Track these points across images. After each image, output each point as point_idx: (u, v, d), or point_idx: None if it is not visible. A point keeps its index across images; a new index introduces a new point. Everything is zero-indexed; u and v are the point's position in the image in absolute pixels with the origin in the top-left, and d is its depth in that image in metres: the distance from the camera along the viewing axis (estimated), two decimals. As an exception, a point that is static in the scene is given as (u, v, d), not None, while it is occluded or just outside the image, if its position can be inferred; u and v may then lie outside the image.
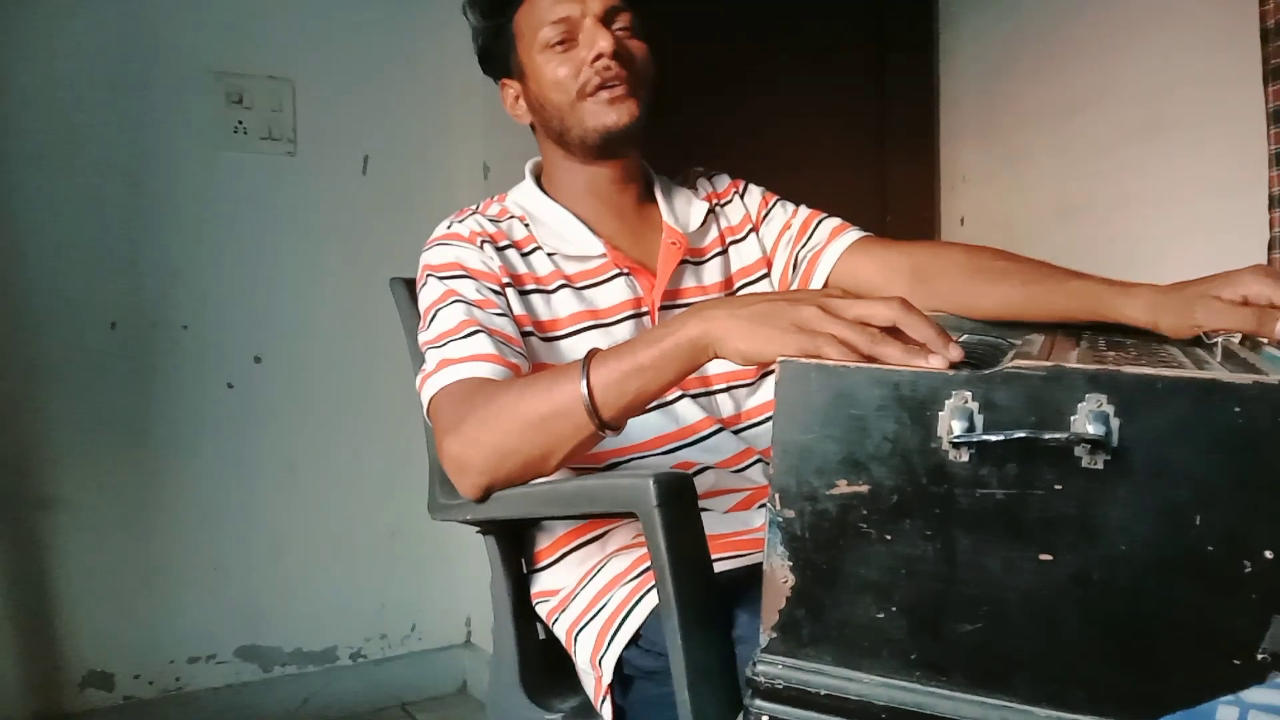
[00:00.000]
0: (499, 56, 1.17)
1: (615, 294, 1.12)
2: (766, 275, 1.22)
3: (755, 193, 1.27)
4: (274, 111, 1.97)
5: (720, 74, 2.14)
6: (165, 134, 1.89)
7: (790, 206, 1.26)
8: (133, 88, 1.86)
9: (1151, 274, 0.96)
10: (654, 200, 1.21)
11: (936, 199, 2.46)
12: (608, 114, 1.09)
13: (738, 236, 1.23)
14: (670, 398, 1.09)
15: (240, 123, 1.94)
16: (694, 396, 1.11)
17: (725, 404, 1.14)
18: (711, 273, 1.19)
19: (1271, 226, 1.69)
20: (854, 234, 1.21)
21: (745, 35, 2.22)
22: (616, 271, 1.13)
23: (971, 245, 1.16)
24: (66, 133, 1.81)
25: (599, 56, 1.07)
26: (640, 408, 0.88)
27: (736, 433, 1.13)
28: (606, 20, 1.09)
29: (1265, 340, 0.79)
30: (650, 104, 1.12)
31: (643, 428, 1.07)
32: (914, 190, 2.44)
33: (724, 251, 1.21)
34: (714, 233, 1.22)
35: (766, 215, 1.25)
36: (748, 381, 1.15)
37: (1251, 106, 1.73)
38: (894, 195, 2.43)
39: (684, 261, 1.16)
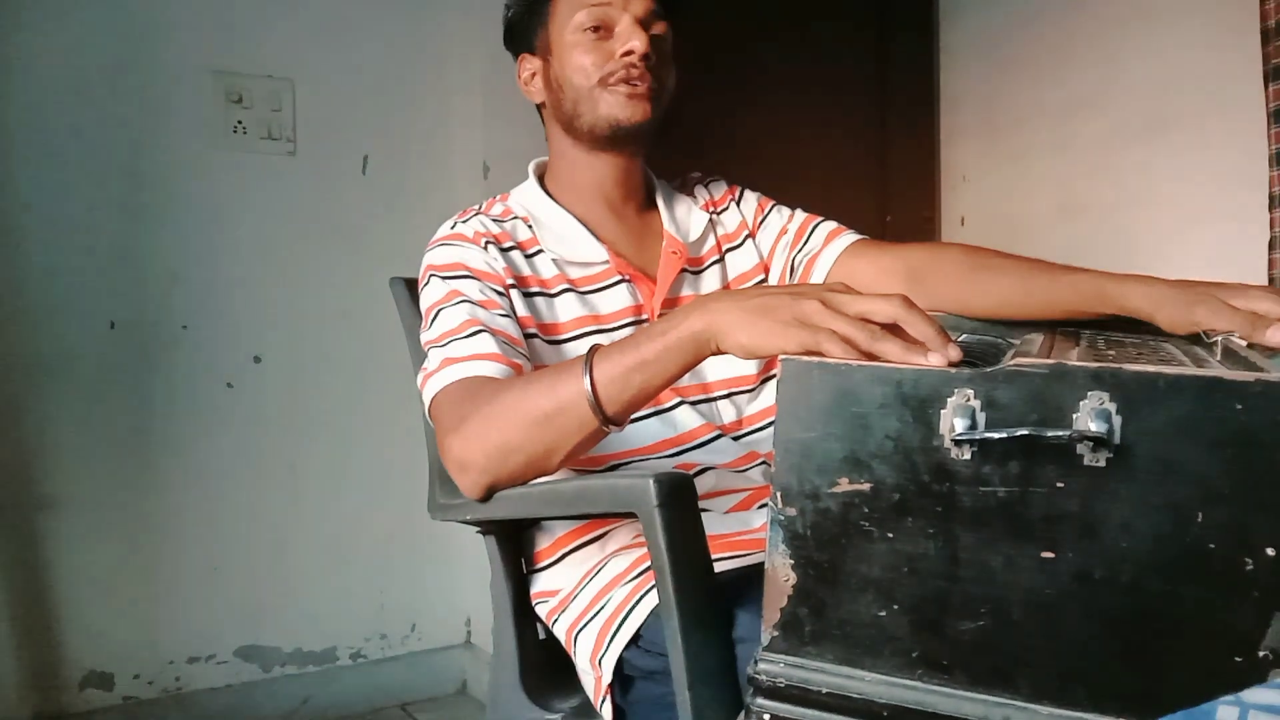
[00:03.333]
0: (525, 32, 1.17)
1: (617, 300, 1.12)
2: (764, 280, 1.22)
3: (751, 199, 1.27)
4: (274, 111, 1.97)
5: (720, 73, 2.14)
6: (165, 134, 1.89)
7: (786, 211, 1.26)
8: (132, 87, 1.86)
9: (1152, 273, 0.96)
10: (655, 207, 1.21)
11: (937, 199, 2.46)
12: (623, 108, 1.09)
13: (734, 244, 1.23)
14: (668, 405, 1.09)
15: (240, 122, 1.94)
16: (693, 404, 1.11)
17: (726, 410, 1.14)
18: (709, 282, 1.19)
19: (1272, 226, 1.69)
20: (850, 237, 1.21)
21: (745, 34, 2.22)
22: (619, 278, 1.13)
23: (967, 245, 1.16)
24: (66, 132, 1.81)
25: (629, 53, 1.08)
26: (644, 402, 0.88)
27: (737, 439, 1.13)
28: (645, 23, 1.09)
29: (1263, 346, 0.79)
30: (663, 116, 1.13)
31: (642, 434, 1.07)
32: (914, 190, 2.44)
33: (720, 260, 1.21)
34: (711, 241, 1.22)
35: (763, 221, 1.25)
36: (749, 388, 1.15)
37: (1252, 106, 1.73)
38: (894, 195, 2.43)
39: (684, 270, 1.16)
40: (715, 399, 1.13)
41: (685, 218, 1.21)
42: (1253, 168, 1.74)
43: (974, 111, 2.37)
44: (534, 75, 1.17)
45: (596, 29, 1.09)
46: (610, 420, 0.87)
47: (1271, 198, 1.69)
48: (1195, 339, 0.83)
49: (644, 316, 1.13)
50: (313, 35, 2.01)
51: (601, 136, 1.12)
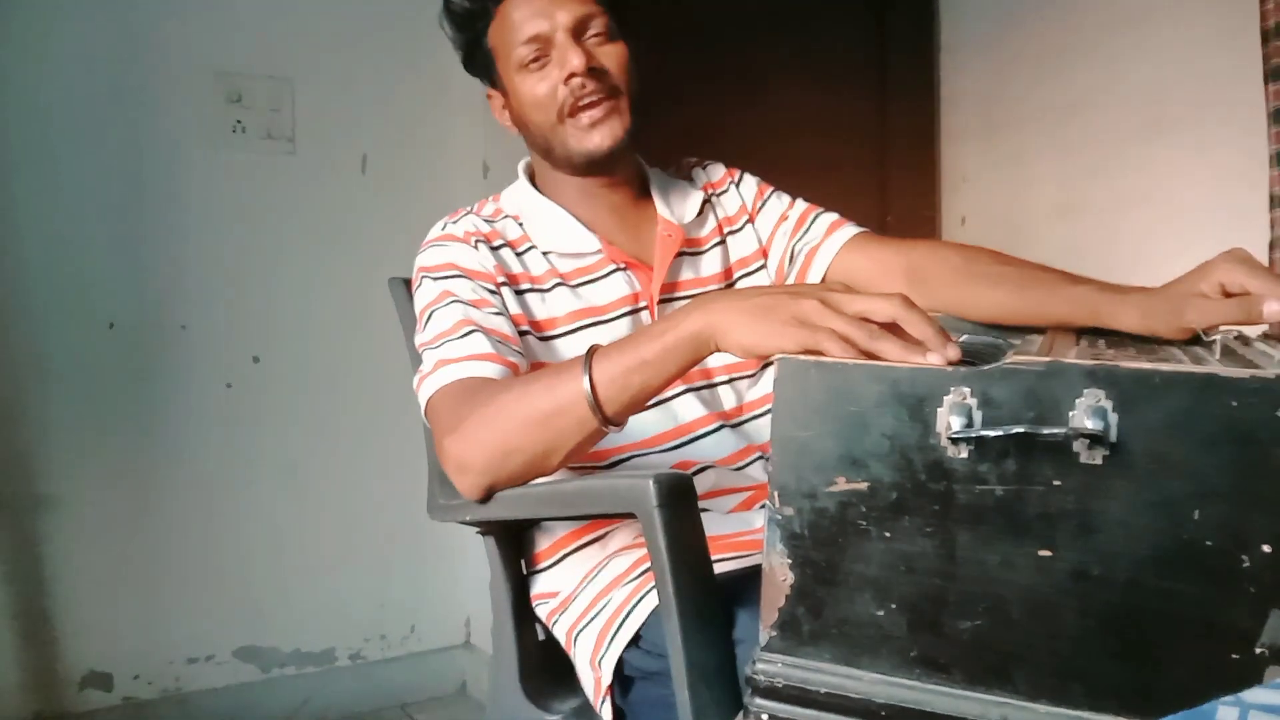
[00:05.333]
0: (481, 66, 1.16)
1: (612, 290, 1.12)
2: (764, 266, 1.22)
3: (750, 182, 1.26)
4: (273, 111, 1.97)
5: (720, 73, 2.14)
6: (165, 134, 1.89)
7: (786, 198, 1.25)
8: (132, 88, 1.86)
9: (1152, 273, 0.96)
10: (649, 195, 1.21)
11: (937, 199, 2.46)
12: (589, 138, 1.08)
13: (734, 227, 1.22)
14: (671, 393, 1.09)
15: (239, 122, 1.95)
16: (696, 390, 1.11)
17: (727, 396, 1.14)
18: (710, 264, 1.18)
19: (1272, 226, 1.69)
20: (850, 229, 1.20)
21: (745, 35, 2.22)
22: (614, 267, 1.13)
23: (968, 246, 1.16)
24: (66, 133, 1.82)
25: (571, 76, 1.06)
26: (643, 403, 0.88)
27: (737, 427, 1.12)
28: (578, 31, 1.07)
29: (1267, 328, 0.78)
30: (637, 107, 1.11)
31: (642, 426, 1.07)
32: (914, 190, 2.44)
33: (722, 242, 1.21)
34: (711, 223, 1.21)
35: (762, 206, 1.24)
36: (749, 373, 1.15)
37: (1252, 106, 1.73)
38: (894, 195, 2.42)
39: (681, 253, 1.16)
40: (717, 384, 1.13)
41: (680, 201, 1.20)
42: (1253, 168, 1.74)
43: (974, 111, 2.37)
44: (504, 108, 1.16)
45: (537, 59, 1.07)
46: (610, 421, 0.87)
47: (1272, 198, 1.69)
48: (1195, 338, 0.83)
49: (642, 304, 1.12)
50: (313, 35, 2.01)
51: (580, 165, 1.11)
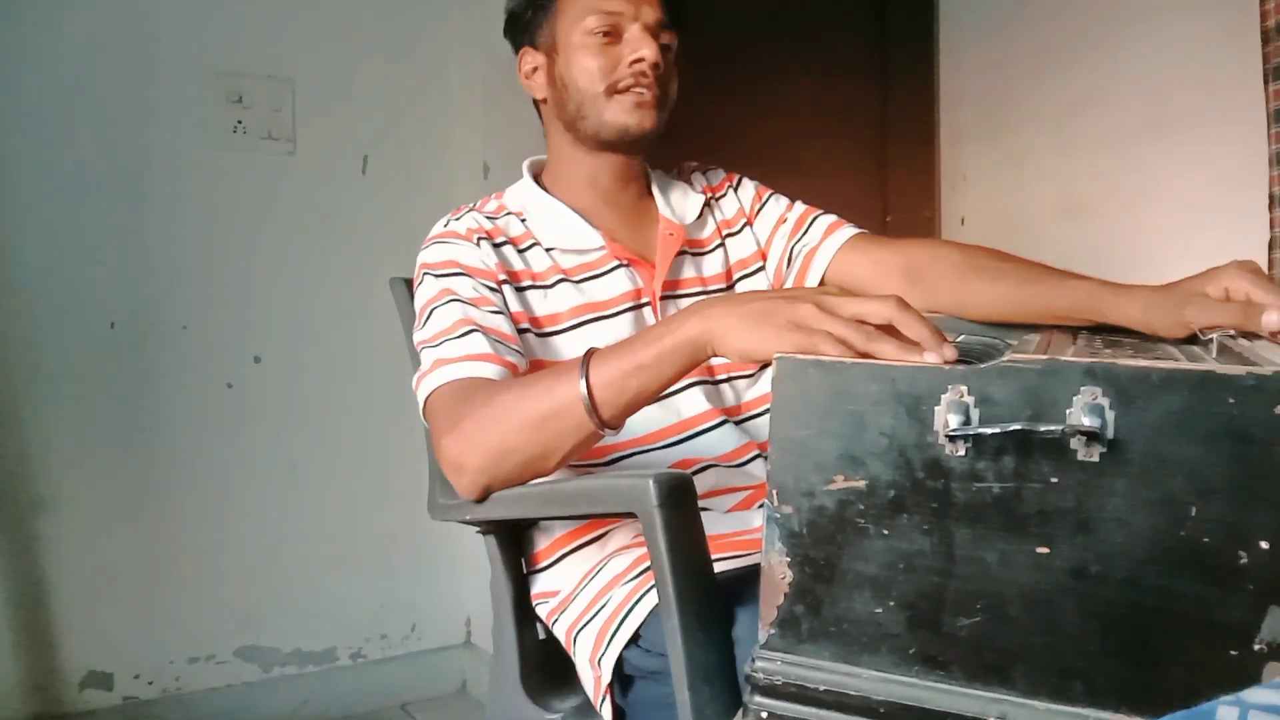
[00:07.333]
0: (528, 25, 1.17)
1: (615, 286, 1.12)
2: (762, 268, 1.22)
3: (749, 186, 1.28)
4: (274, 111, 1.97)
5: (720, 73, 2.14)
6: (165, 134, 1.89)
7: (784, 200, 1.26)
8: (133, 87, 1.86)
9: (1152, 273, 0.96)
10: (650, 194, 1.21)
11: (937, 199, 2.46)
12: (630, 115, 1.10)
13: (733, 230, 1.23)
14: (677, 387, 1.09)
15: (240, 122, 1.95)
16: (701, 384, 1.12)
17: (727, 395, 1.14)
18: (711, 265, 1.19)
19: (1272, 226, 1.69)
20: (849, 231, 1.21)
21: (745, 34, 2.23)
22: (616, 263, 1.13)
23: (966, 244, 1.16)
24: (66, 132, 1.82)
25: (640, 60, 1.09)
26: (640, 406, 0.88)
27: (739, 423, 1.13)
28: (654, 32, 1.11)
29: (1261, 335, 0.79)
30: (665, 124, 1.14)
31: (645, 421, 1.07)
32: (914, 190, 2.44)
33: (722, 244, 1.22)
34: (711, 226, 1.22)
35: (760, 208, 1.25)
36: (747, 373, 1.15)
37: (1252, 106, 1.73)
38: (894, 195, 2.43)
39: (683, 252, 1.17)
40: (717, 382, 1.14)
41: (681, 202, 1.21)
42: (1253, 168, 1.74)
43: (974, 111, 2.37)
44: (535, 70, 1.17)
45: (606, 34, 1.10)
46: (606, 424, 0.87)
47: (1271, 198, 1.69)
48: (1192, 337, 0.84)
49: (644, 300, 1.13)
50: (313, 35, 2.01)
51: (606, 140, 1.13)
